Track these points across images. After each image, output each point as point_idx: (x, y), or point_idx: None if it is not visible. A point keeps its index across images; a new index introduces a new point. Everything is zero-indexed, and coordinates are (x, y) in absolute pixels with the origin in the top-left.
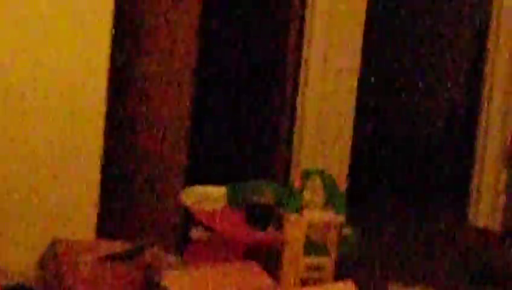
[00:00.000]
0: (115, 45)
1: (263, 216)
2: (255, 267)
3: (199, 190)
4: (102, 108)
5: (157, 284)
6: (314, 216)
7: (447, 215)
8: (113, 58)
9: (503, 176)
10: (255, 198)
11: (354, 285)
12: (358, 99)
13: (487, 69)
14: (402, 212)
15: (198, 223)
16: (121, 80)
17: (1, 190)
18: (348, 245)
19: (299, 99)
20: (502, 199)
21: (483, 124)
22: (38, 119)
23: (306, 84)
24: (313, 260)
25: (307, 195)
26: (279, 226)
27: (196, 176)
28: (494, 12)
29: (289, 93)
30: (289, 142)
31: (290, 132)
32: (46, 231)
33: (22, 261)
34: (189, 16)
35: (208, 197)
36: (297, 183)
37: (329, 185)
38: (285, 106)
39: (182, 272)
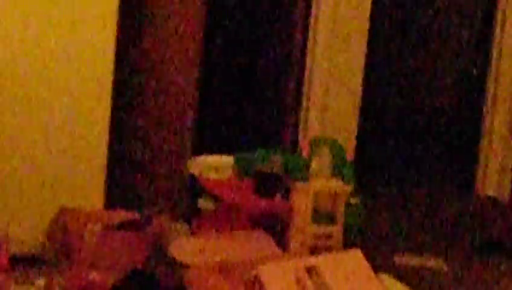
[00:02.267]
0: (122, 14)
1: (271, 185)
2: (263, 236)
3: (207, 159)
4: (110, 76)
5: (165, 253)
6: (321, 185)
7: (454, 185)
8: (122, 24)
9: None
10: (262, 167)
11: (361, 253)
12: (366, 68)
13: (495, 38)
14: (410, 181)
15: (206, 193)
16: (129, 48)
17: (9, 160)
18: (356, 214)
19: (306, 67)
20: (510, 168)
21: (492, 91)
22: (45, 88)
23: (314, 52)
24: (321, 228)
25: (314, 164)
26: (287, 195)
27: (204, 146)
28: None
29: (296, 61)
30: (297, 111)
31: (298, 100)
32: (54, 200)
33: (30, 230)
34: None
35: (215, 167)
36: (305, 152)
37: (337, 154)
38: (293, 74)
39: (189, 240)
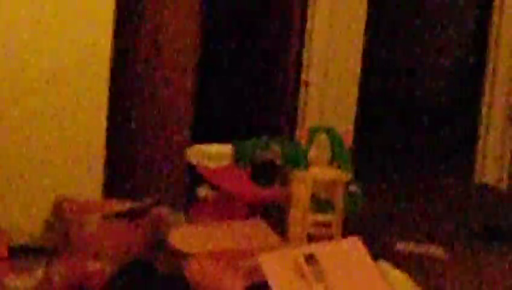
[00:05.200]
0: None
1: (269, 173)
2: (261, 224)
3: (205, 147)
4: (107, 64)
5: (164, 242)
6: (320, 173)
7: (453, 173)
8: (119, 9)
9: (510, 133)
10: (261, 155)
11: (361, 241)
12: (364, 56)
13: (493, 26)
14: (408, 170)
15: (205, 181)
16: (126, 38)
17: (6, 150)
18: (355, 202)
19: (305, 56)
20: (508, 156)
21: (489, 81)
22: (42, 77)
23: (312, 40)
24: (320, 216)
25: (313, 152)
26: (285, 183)
27: (202, 134)
28: None
29: (295, 49)
30: (295, 99)
31: (296, 88)
32: (53, 191)
33: (29, 220)
34: None
35: (213, 155)
36: (303, 140)
37: (335, 142)
38: (291, 62)
39: (188, 229)
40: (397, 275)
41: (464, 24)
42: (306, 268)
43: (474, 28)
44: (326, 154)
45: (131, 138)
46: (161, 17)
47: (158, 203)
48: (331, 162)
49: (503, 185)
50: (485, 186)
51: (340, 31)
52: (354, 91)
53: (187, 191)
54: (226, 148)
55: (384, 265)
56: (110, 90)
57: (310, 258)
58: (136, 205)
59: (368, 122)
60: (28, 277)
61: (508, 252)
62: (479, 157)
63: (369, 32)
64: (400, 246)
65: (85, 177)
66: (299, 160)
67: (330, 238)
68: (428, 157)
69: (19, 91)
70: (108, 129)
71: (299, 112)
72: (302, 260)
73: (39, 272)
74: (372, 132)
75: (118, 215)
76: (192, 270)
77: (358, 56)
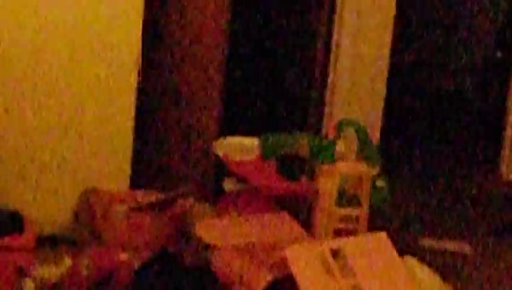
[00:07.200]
0: None
1: (296, 167)
2: (288, 218)
3: (232, 141)
4: (136, 57)
5: (191, 234)
6: (347, 168)
7: (479, 169)
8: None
9: None
10: (288, 149)
11: (386, 236)
12: (392, 52)
13: None
14: (434, 166)
15: (232, 174)
16: (154, 34)
17: (35, 141)
18: (381, 197)
19: (332, 51)
20: None
21: None
22: (69, 69)
23: (340, 36)
24: (346, 211)
25: (340, 146)
26: (312, 177)
27: (230, 127)
28: None
29: (323, 44)
30: (322, 94)
31: (324, 83)
32: (81, 181)
33: (57, 212)
34: None
35: (241, 148)
36: (331, 135)
37: (362, 137)
38: (319, 57)
39: (214, 222)
40: (423, 271)
41: (492, 18)
42: (332, 262)
43: (502, 22)
44: (354, 149)
45: (159, 130)
46: (189, 14)
47: (185, 195)
48: (358, 157)
49: None
50: (510, 182)
51: (368, 25)
52: (381, 86)
53: (214, 183)
54: (253, 142)
55: (410, 260)
56: (138, 83)
57: (336, 253)
58: (163, 197)
59: (395, 117)
60: (55, 267)
61: None
62: (505, 153)
63: (397, 28)
64: (425, 241)
65: (113, 169)
66: (326, 154)
67: (356, 232)
68: (455, 152)
69: (51, 86)
70: (137, 122)
71: (327, 106)
72: (328, 254)
73: (67, 262)
74: (399, 127)
75: (146, 207)
76: (218, 262)
77: (387, 50)
